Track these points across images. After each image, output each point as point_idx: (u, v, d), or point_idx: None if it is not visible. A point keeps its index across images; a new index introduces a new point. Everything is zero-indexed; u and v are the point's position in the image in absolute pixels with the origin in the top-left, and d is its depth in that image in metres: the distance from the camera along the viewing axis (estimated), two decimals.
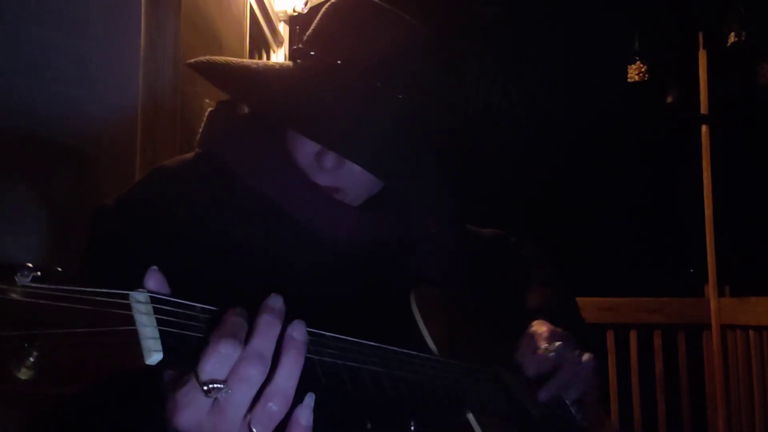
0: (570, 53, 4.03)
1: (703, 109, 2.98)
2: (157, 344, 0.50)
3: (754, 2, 3.29)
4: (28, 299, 0.44)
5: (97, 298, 0.48)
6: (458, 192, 1.07)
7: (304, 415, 0.58)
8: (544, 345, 0.95)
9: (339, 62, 0.88)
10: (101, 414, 0.65)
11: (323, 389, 0.62)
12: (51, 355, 0.43)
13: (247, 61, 0.98)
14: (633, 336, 2.87)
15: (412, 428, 0.76)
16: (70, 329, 0.45)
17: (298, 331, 0.58)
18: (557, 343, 0.95)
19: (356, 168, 0.88)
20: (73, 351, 0.45)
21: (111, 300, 0.49)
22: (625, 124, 4.09)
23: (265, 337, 0.56)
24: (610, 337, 2.84)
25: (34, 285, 0.45)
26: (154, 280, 0.55)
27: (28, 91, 1.29)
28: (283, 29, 3.37)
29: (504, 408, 0.89)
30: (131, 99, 1.51)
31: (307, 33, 0.95)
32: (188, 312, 0.55)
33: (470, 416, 0.81)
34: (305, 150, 0.89)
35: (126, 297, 0.51)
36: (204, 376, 0.53)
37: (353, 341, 0.69)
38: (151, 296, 0.53)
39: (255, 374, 0.54)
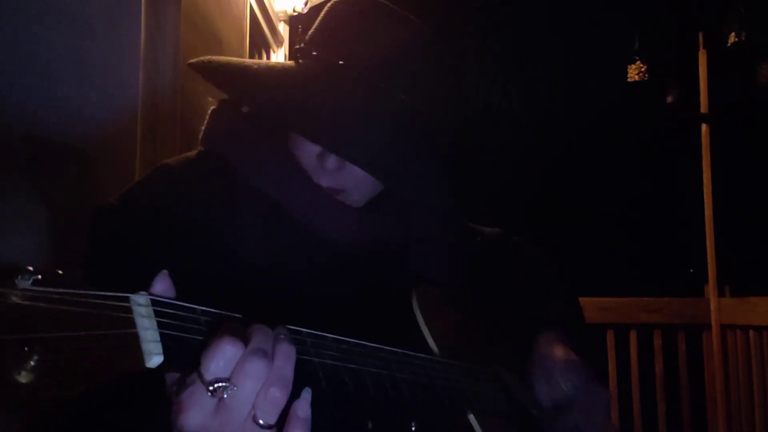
0: (570, 53, 4.03)
1: (703, 108, 2.98)
2: (157, 347, 0.50)
3: (754, 2, 3.29)
4: (29, 303, 0.44)
5: (97, 301, 0.48)
6: (459, 192, 1.06)
7: (302, 407, 0.59)
8: (560, 379, 0.91)
9: (341, 62, 0.88)
10: (104, 417, 0.65)
11: (324, 391, 0.62)
12: (51, 359, 0.43)
13: (248, 61, 0.98)
14: (633, 336, 2.87)
15: (413, 429, 0.76)
16: (71, 333, 0.45)
17: (283, 328, 0.60)
18: (573, 378, 0.91)
19: (358, 170, 0.88)
20: (74, 355, 0.45)
21: (112, 303, 0.49)
22: (625, 124, 4.09)
23: (264, 336, 0.57)
24: (610, 337, 2.83)
25: (34, 288, 0.44)
26: (162, 284, 0.55)
27: (28, 91, 1.29)
28: (283, 29, 3.37)
29: (504, 408, 0.89)
30: (131, 99, 1.51)
31: (309, 33, 0.95)
32: (189, 314, 0.55)
33: (471, 417, 0.81)
34: (307, 151, 0.89)
35: (127, 300, 0.51)
36: (208, 375, 0.53)
37: (354, 343, 0.69)
38: (152, 299, 0.53)
39: (260, 369, 0.55)
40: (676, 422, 2.81)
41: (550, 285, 1.14)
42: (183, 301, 0.56)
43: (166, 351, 0.51)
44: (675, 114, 3.63)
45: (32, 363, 0.42)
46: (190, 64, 0.91)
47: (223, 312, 0.58)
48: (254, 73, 0.92)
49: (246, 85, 0.90)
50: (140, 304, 0.51)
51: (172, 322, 0.53)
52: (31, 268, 0.44)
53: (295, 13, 3.26)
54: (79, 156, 1.38)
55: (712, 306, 2.85)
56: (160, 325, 0.52)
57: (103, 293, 0.49)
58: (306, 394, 0.60)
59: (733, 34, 3.27)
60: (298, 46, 0.95)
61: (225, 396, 0.54)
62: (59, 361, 0.44)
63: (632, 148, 4.20)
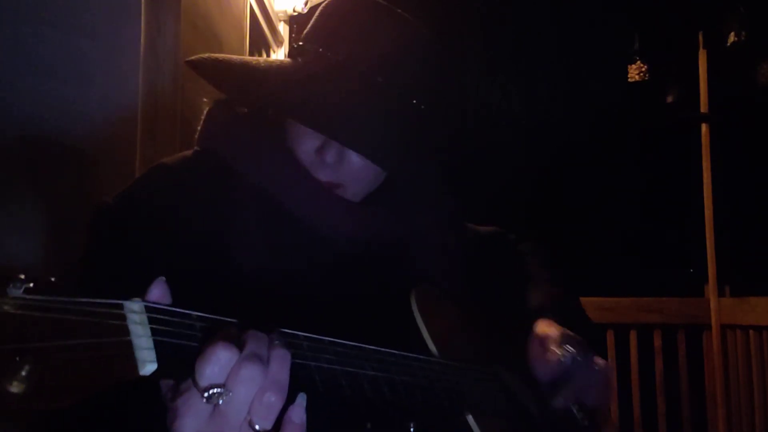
0: (570, 53, 4.02)
1: (703, 108, 2.98)
2: (151, 354, 0.50)
3: (754, 2, 3.29)
4: (21, 312, 0.43)
5: (90, 308, 0.47)
6: (458, 191, 1.07)
7: (297, 413, 0.59)
8: (556, 350, 0.94)
9: (339, 59, 0.88)
10: (101, 424, 0.65)
11: (321, 395, 0.62)
12: (44, 369, 0.43)
13: (246, 58, 0.98)
14: (633, 336, 2.87)
15: (412, 430, 0.76)
16: (63, 341, 0.44)
17: (278, 333, 0.60)
18: (570, 349, 0.94)
19: (356, 163, 0.88)
20: (67, 363, 0.44)
21: (105, 311, 0.49)
22: (625, 124, 4.09)
23: (259, 341, 0.57)
24: (610, 337, 2.83)
25: (26, 297, 0.44)
26: (158, 290, 0.55)
27: (28, 91, 1.29)
28: (283, 29, 3.37)
29: (504, 408, 0.89)
30: (131, 99, 1.50)
31: (306, 30, 0.95)
32: (183, 320, 0.55)
33: (470, 417, 0.81)
34: (306, 146, 0.89)
35: (120, 307, 0.50)
36: (203, 381, 0.53)
37: (351, 345, 0.68)
38: (145, 305, 0.52)
39: (255, 374, 0.55)
40: (676, 422, 2.81)
41: (546, 281, 1.14)
42: (178, 307, 0.55)
43: (160, 358, 0.50)
44: (675, 114, 3.63)
45: (24, 373, 0.42)
46: (188, 62, 0.92)
47: (219, 317, 0.58)
48: (254, 69, 0.92)
49: (246, 81, 0.90)
50: (134, 311, 0.51)
51: (166, 328, 0.53)
52: (22, 276, 0.44)
53: (295, 13, 3.26)
54: (79, 156, 1.38)
55: (712, 306, 2.85)
56: (153, 332, 0.51)
57: (96, 300, 0.48)
58: (301, 400, 0.59)
59: (733, 34, 3.27)
60: (296, 44, 0.95)
61: (220, 402, 0.53)
62: (52, 371, 0.43)
63: (632, 148, 4.20)
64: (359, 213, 0.92)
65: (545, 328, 0.99)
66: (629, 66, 3.74)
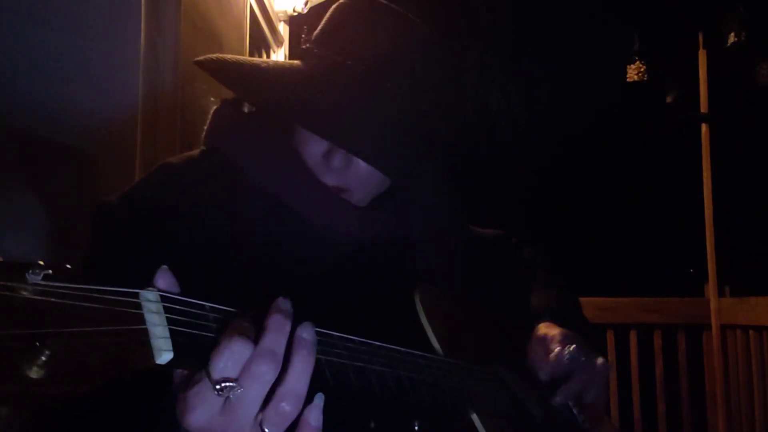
0: (570, 53, 4.03)
1: (703, 108, 2.98)
2: (167, 344, 0.50)
3: (754, 2, 3.29)
4: (40, 297, 0.43)
5: (107, 296, 0.48)
6: (459, 192, 1.07)
7: (314, 415, 0.58)
8: (557, 349, 0.94)
9: (348, 62, 0.88)
10: (111, 413, 0.65)
11: (331, 389, 0.62)
12: (62, 355, 0.43)
13: (256, 59, 0.98)
14: (633, 336, 2.87)
15: (416, 428, 0.76)
16: (81, 328, 0.45)
17: (307, 332, 0.58)
18: (571, 347, 0.94)
19: (363, 168, 0.88)
20: (84, 350, 0.44)
21: (122, 299, 0.49)
22: (625, 124, 4.09)
23: (276, 335, 0.56)
24: (610, 337, 2.83)
25: (45, 283, 0.44)
26: (164, 280, 0.55)
27: (28, 91, 1.29)
28: (283, 29, 3.37)
29: (506, 408, 0.89)
30: (131, 99, 1.50)
31: (315, 33, 0.95)
32: (198, 311, 0.55)
33: (474, 416, 0.81)
34: (313, 149, 0.89)
35: (136, 296, 0.50)
36: (216, 374, 0.53)
37: (360, 341, 0.68)
38: (161, 295, 0.52)
39: (267, 371, 0.54)
40: (676, 422, 2.81)
41: (548, 283, 1.14)
42: (192, 298, 0.55)
43: (176, 347, 0.50)
44: (675, 114, 3.63)
45: (43, 358, 0.42)
46: (198, 62, 0.91)
47: (233, 309, 0.58)
48: (264, 72, 0.92)
49: (256, 83, 0.90)
50: (150, 300, 0.51)
51: (181, 318, 0.53)
52: (41, 263, 0.44)
53: (295, 13, 3.26)
54: (79, 156, 1.38)
55: (712, 306, 2.85)
56: (169, 321, 0.51)
57: (113, 288, 0.48)
58: (318, 401, 0.59)
59: (733, 34, 3.27)
60: (303, 47, 0.95)
61: (231, 396, 0.53)
62: (69, 356, 0.43)
63: (632, 148, 4.20)
64: (364, 216, 0.92)
65: (546, 329, 0.99)
66: (628, 66, 3.74)
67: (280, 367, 0.55)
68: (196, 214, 0.84)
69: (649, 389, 2.84)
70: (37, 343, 0.42)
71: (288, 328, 0.57)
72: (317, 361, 0.60)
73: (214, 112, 0.95)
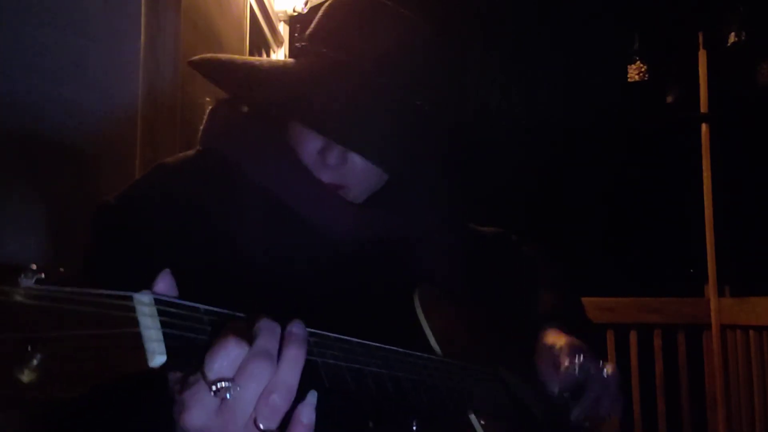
0: (570, 53, 4.03)
1: (703, 108, 2.98)
2: (160, 347, 0.50)
3: (754, 2, 3.29)
4: (32, 301, 0.43)
5: (100, 300, 0.48)
6: (459, 191, 1.06)
7: (306, 413, 0.58)
8: (566, 362, 0.94)
9: (343, 60, 0.88)
10: (106, 417, 0.65)
11: (326, 391, 0.62)
12: (55, 358, 0.43)
13: (250, 58, 0.98)
14: (633, 336, 2.87)
15: (414, 428, 0.76)
16: (74, 332, 0.45)
17: (297, 327, 0.59)
18: (581, 359, 0.94)
19: (359, 164, 0.88)
20: (77, 354, 0.44)
21: (115, 302, 0.49)
22: (625, 124, 4.09)
23: (269, 335, 0.56)
24: (610, 337, 2.83)
25: (37, 287, 0.44)
26: (165, 283, 0.55)
27: (28, 91, 1.29)
28: (283, 29, 3.37)
29: (506, 408, 0.89)
30: (131, 99, 1.50)
31: (309, 30, 0.95)
32: (192, 314, 0.55)
33: (472, 416, 0.81)
34: (309, 147, 0.89)
35: (130, 299, 0.50)
36: (212, 375, 0.53)
37: (356, 342, 0.68)
38: (155, 298, 0.52)
39: (263, 370, 0.54)
40: (676, 422, 2.81)
41: (550, 283, 1.14)
42: (186, 300, 0.55)
43: (169, 351, 0.50)
44: (675, 114, 3.63)
45: (35, 362, 0.42)
46: (191, 62, 0.91)
47: (227, 311, 0.58)
48: (258, 69, 0.92)
49: (250, 81, 0.90)
50: (143, 303, 0.51)
51: (175, 321, 0.53)
52: (34, 267, 0.44)
53: (295, 13, 3.26)
54: (79, 156, 1.38)
55: (712, 306, 2.85)
56: (163, 324, 0.51)
57: (106, 292, 0.48)
58: (311, 399, 0.59)
59: (733, 34, 3.27)
60: (299, 44, 0.95)
61: (227, 396, 0.53)
62: (62, 360, 0.44)
63: (632, 148, 4.20)
64: (360, 213, 0.92)
65: (554, 338, 0.98)
66: (629, 66, 3.75)
67: (275, 366, 0.56)
68: (194, 214, 0.84)
69: (649, 389, 2.84)
70: (29, 347, 0.42)
71: (279, 328, 0.58)
72: (313, 363, 0.61)
73: (209, 112, 0.95)
